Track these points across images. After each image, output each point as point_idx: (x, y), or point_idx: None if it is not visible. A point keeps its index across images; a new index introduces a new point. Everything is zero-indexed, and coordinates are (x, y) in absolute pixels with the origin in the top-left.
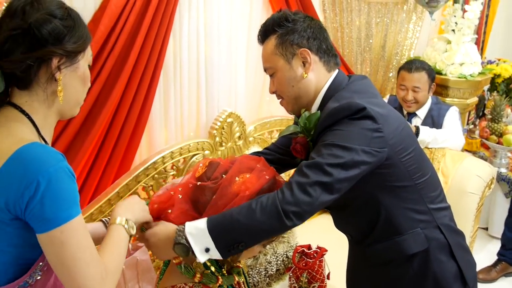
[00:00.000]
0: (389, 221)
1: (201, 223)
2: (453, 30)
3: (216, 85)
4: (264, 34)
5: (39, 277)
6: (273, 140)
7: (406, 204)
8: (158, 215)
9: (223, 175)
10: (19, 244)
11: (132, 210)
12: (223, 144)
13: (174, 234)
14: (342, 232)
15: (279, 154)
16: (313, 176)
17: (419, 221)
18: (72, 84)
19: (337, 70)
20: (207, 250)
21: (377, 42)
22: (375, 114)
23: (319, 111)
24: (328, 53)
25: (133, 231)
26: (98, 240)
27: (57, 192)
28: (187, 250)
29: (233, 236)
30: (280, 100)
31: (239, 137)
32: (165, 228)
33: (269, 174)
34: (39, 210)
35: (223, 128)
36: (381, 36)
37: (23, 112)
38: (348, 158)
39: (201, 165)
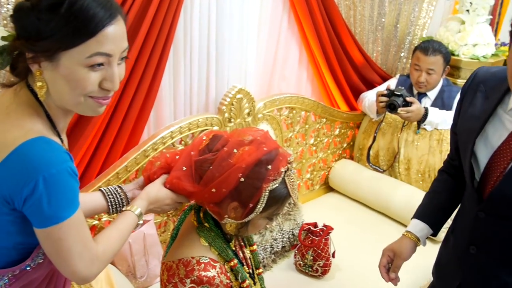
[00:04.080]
0: None
1: None
2: (467, 10)
3: (227, 61)
4: None
5: (41, 261)
6: (282, 118)
7: None
8: (155, 175)
9: (225, 148)
10: (19, 231)
11: (155, 203)
12: (232, 120)
13: None
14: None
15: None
16: None
17: None
18: (56, 82)
19: None
20: None
21: (390, 21)
22: None
23: None
24: None
25: (141, 221)
26: (95, 211)
27: (57, 192)
28: None
29: None
30: None
31: (248, 114)
32: None
33: (269, 146)
34: (37, 208)
35: (232, 104)
36: (393, 15)
37: (37, 98)
38: None
39: (204, 137)
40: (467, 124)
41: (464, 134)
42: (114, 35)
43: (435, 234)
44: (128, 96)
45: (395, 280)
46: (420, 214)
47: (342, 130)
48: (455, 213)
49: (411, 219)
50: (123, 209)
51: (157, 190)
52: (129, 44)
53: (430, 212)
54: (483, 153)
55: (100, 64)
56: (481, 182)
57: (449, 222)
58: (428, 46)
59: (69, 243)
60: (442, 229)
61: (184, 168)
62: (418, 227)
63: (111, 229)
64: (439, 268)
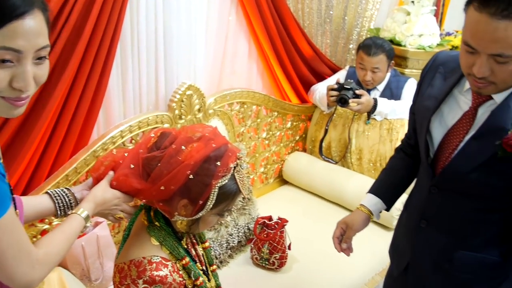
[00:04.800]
0: None
1: None
2: (413, 2)
3: (175, 57)
4: None
5: None
6: (233, 113)
7: None
8: (103, 175)
9: (173, 145)
10: None
11: (103, 205)
12: (183, 117)
13: None
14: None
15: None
16: None
17: None
18: None
19: None
20: None
21: (338, 13)
22: None
23: None
24: None
25: (89, 224)
26: (42, 214)
27: None
28: None
29: None
30: (483, 84)
31: (199, 110)
32: None
33: (217, 143)
34: None
35: (182, 101)
36: (341, 7)
37: None
38: None
39: (152, 135)
40: (425, 104)
41: (421, 113)
42: (27, 30)
43: (388, 209)
44: (75, 96)
45: (347, 251)
46: (375, 189)
47: (294, 123)
48: (410, 190)
49: (366, 193)
50: (70, 212)
51: (103, 190)
52: (74, 42)
53: (385, 188)
54: (438, 131)
55: (8, 61)
56: (435, 159)
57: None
58: (371, 46)
59: (3, 246)
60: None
61: (132, 166)
62: (372, 201)
63: (55, 233)
64: (393, 246)
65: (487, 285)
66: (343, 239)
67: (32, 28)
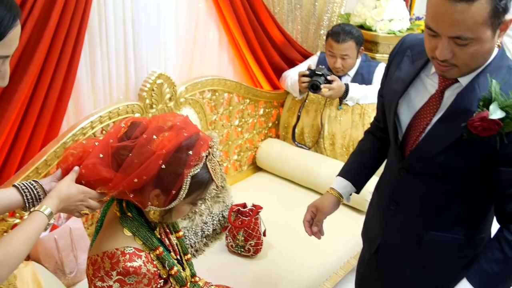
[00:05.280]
0: None
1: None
2: None
3: (145, 46)
4: None
5: None
6: (205, 101)
7: None
8: (72, 166)
9: (144, 134)
10: None
11: (67, 201)
12: (154, 106)
13: None
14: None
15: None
16: None
17: None
18: None
19: None
20: None
21: None
22: None
23: None
24: None
25: (52, 222)
26: (11, 207)
27: None
28: None
29: None
30: (446, 68)
31: (170, 99)
32: None
33: (189, 132)
34: None
35: (153, 90)
36: None
37: None
38: None
39: (123, 125)
40: (393, 87)
41: (389, 96)
42: (16, 36)
43: (358, 191)
44: (43, 87)
45: (318, 234)
46: (344, 172)
47: (267, 110)
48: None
49: (336, 176)
50: (32, 209)
51: (68, 186)
52: (39, 33)
53: (354, 171)
54: (406, 114)
55: None
56: (403, 141)
57: None
58: (339, 33)
59: None
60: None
61: (101, 155)
62: (342, 184)
63: (15, 231)
64: (365, 228)
65: (456, 264)
66: (314, 222)
67: (18, 33)
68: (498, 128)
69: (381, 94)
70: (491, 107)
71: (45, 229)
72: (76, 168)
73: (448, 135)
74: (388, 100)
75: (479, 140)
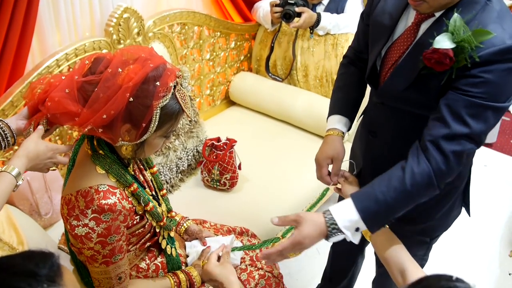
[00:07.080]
0: None
1: (354, 215)
2: None
3: None
4: None
5: None
6: (174, 35)
7: None
8: (38, 101)
9: (108, 69)
10: None
11: (36, 159)
12: (121, 41)
13: (326, 230)
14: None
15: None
16: (466, 145)
17: None
18: None
19: None
20: (357, 229)
21: None
22: None
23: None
24: None
25: (21, 183)
26: None
27: None
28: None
29: (389, 218)
30: (417, 2)
31: (138, 33)
32: (313, 229)
33: (154, 62)
34: None
35: (119, 25)
36: None
37: None
38: (497, 119)
39: (87, 61)
40: (380, 19)
41: (376, 29)
42: None
43: (350, 126)
44: (3, 26)
45: (341, 178)
46: (339, 108)
47: (238, 43)
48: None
49: (329, 116)
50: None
51: (36, 144)
52: None
53: (348, 106)
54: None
55: None
56: (379, 74)
57: None
58: None
59: None
60: None
61: (67, 91)
62: (342, 122)
63: None
64: (352, 153)
65: None
66: (332, 173)
67: None
68: (450, 63)
69: (366, 23)
70: (438, 37)
71: (14, 190)
72: (41, 127)
73: (412, 69)
74: (375, 33)
75: (437, 75)
